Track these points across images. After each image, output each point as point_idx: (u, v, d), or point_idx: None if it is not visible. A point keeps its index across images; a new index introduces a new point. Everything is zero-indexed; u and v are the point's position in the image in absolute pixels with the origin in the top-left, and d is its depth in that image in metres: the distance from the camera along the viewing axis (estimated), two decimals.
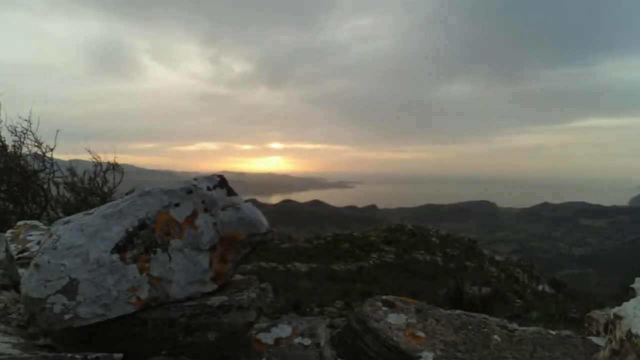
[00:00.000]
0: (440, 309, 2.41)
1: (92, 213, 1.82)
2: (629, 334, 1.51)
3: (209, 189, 1.90)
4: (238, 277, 2.09)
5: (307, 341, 2.01)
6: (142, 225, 1.76)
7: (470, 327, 2.23)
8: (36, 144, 5.95)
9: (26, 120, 5.82)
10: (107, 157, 6.26)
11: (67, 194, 6.12)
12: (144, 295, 1.71)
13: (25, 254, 2.76)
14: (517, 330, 2.26)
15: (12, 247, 2.83)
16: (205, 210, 1.87)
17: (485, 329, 2.22)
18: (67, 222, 1.79)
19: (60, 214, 5.77)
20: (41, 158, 6.01)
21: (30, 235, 3.11)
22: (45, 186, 6.00)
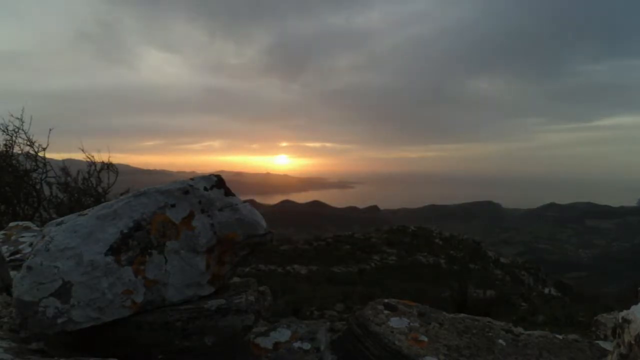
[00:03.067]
0: (444, 313, 2.41)
1: (86, 214, 1.82)
2: (638, 338, 1.51)
3: (205, 189, 1.90)
4: (236, 279, 2.09)
5: (306, 345, 2.01)
6: (138, 226, 1.76)
7: (474, 331, 2.23)
8: (28, 143, 5.95)
9: (18, 119, 5.83)
10: (101, 157, 6.27)
11: (60, 195, 6.12)
12: (139, 298, 1.71)
13: (18, 256, 2.76)
14: (522, 334, 2.26)
15: (4, 248, 2.83)
16: (202, 211, 1.87)
17: (490, 333, 2.22)
18: (60, 223, 1.79)
19: (53, 215, 5.77)
20: (33, 157, 6.01)
21: (23, 236, 3.11)
22: (38, 186, 6.00)
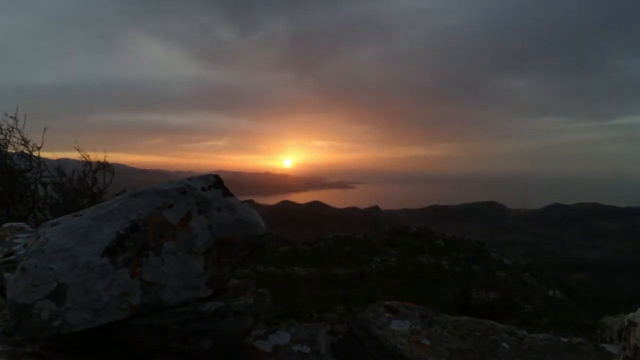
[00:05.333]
0: (446, 315, 2.41)
1: (82, 215, 1.82)
2: None
3: (203, 189, 1.90)
4: (234, 281, 2.09)
5: (306, 349, 2.01)
6: (134, 227, 1.76)
7: (477, 334, 2.23)
8: (22, 142, 5.94)
9: (12, 117, 5.82)
10: (97, 156, 6.26)
11: (55, 195, 6.11)
12: (135, 300, 1.71)
13: (12, 257, 2.76)
14: (526, 337, 2.26)
15: None
16: (200, 211, 1.87)
17: (493, 336, 2.22)
18: (55, 224, 1.80)
19: (48, 216, 5.76)
20: (28, 157, 6.01)
21: (17, 237, 3.11)
22: (32, 187, 6.00)
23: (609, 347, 2.25)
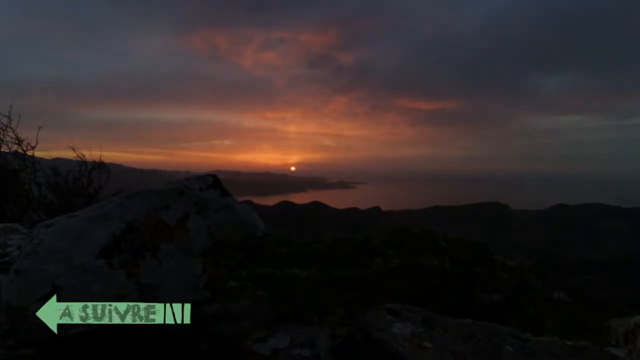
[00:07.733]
0: (449, 318, 2.41)
1: (77, 215, 1.82)
2: None
3: (201, 189, 1.91)
4: (232, 283, 2.10)
5: (306, 352, 2.01)
6: (130, 228, 1.76)
7: (480, 337, 2.23)
8: (16, 141, 5.94)
9: (6, 116, 5.82)
10: (92, 155, 6.25)
11: (50, 195, 6.11)
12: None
13: (6, 259, 2.76)
14: (530, 340, 2.26)
15: None
16: (198, 212, 1.88)
17: (497, 339, 2.22)
18: (50, 225, 1.80)
19: (43, 217, 5.76)
20: (22, 157, 6.00)
21: (11, 239, 3.11)
22: (27, 187, 5.99)
23: (615, 351, 2.25)
